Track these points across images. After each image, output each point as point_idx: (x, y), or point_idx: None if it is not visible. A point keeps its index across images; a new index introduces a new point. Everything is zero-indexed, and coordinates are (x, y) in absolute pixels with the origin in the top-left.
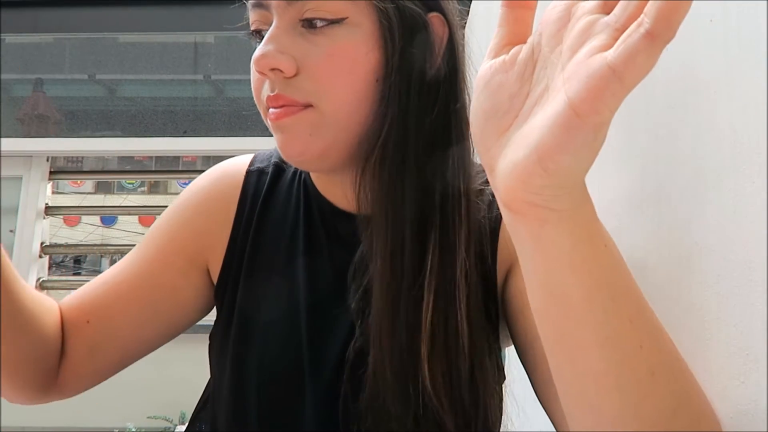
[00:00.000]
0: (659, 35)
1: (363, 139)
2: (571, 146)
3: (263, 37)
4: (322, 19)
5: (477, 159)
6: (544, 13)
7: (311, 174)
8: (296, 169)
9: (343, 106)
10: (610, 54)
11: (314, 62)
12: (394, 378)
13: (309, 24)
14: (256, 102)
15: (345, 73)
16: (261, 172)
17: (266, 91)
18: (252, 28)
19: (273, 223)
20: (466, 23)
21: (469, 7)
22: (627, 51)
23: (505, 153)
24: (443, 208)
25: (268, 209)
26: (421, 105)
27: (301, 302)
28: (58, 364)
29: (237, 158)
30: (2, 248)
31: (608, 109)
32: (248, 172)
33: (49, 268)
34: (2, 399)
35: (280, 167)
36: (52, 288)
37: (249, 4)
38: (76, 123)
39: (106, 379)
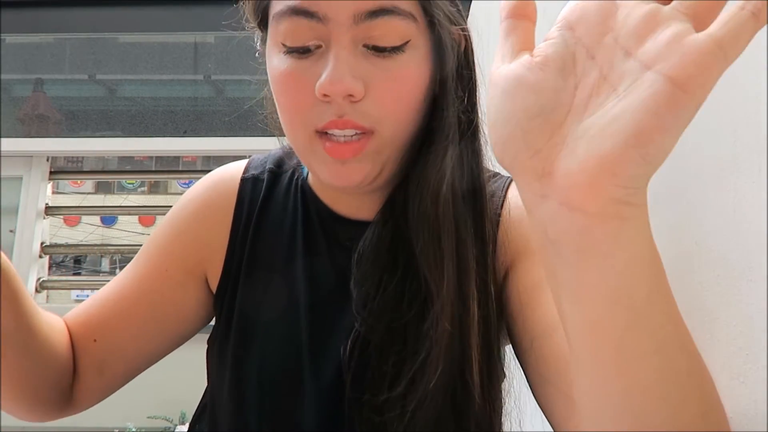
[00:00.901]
0: (762, 15)
1: (406, 155)
2: (675, 125)
3: (303, 51)
4: (389, 45)
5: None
6: (572, 7)
7: (311, 178)
8: (293, 174)
9: (402, 129)
10: (717, 32)
11: (380, 87)
12: (444, 374)
13: (375, 48)
14: (295, 120)
15: (407, 97)
16: (256, 179)
17: (324, 113)
18: (293, 43)
19: (271, 229)
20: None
21: (469, 7)
22: (734, 28)
23: (569, 150)
24: (475, 211)
25: (265, 215)
26: (459, 119)
27: (302, 305)
28: (72, 382)
29: (230, 165)
30: (8, 262)
31: (712, 83)
32: (243, 180)
33: (49, 268)
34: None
35: (275, 173)
36: (52, 288)
37: (288, 8)
38: (76, 123)
39: (116, 391)
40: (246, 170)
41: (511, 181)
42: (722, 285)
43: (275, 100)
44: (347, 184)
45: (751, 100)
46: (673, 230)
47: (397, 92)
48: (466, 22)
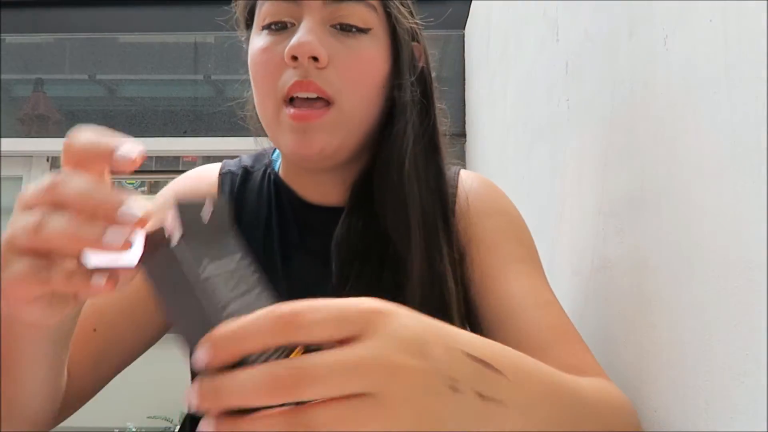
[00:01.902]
0: None
1: (365, 140)
2: None
3: (279, 28)
4: (353, 25)
5: None
6: None
7: (282, 171)
8: (265, 170)
9: (359, 107)
10: None
11: (343, 60)
12: None
13: (341, 27)
14: (266, 91)
15: (366, 76)
16: (233, 173)
17: (290, 77)
18: (272, 19)
19: (247, 222)
20: (465, 25)
21: (469, 7)
22: None
23: None
24: (440, 195)
25: (241, 209)
26: (415, 114)
27: (281, 292)
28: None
29: (204, 167)
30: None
31: None
32: (222, 175)
33: None
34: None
35: (248, 170)
36: None
37: None
38: (76, 123)
39: (104, 386)
40: (223, 167)
41: (460, 170)
42: (722, 285)
43: (252, 81)
44: (308, 151)
45: (751, 100)
46: (673, 230)
47: (358, 68)
48: (423, 44)
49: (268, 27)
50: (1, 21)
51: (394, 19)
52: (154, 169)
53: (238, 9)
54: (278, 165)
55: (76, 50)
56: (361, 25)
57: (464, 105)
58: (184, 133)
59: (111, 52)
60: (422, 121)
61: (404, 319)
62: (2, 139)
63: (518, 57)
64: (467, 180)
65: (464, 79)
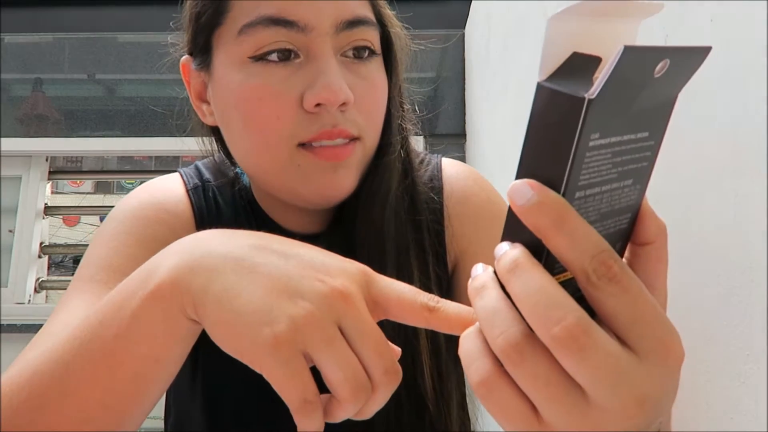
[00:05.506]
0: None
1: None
2: None
3: (282, 59)
4: (367, 48)
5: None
6: None
7: (255, 195)
8: (233, 186)
9: (376, 139)
10: None
11: (362, 95)
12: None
13: (354, 54)
14: (271, 135)
15: (381, 106)
16: (203, 189)
17: (313, 124)
18: (274, 47)
19: None
20: (465, 24)
21: (469, 7)
22: None
23: None
24: (414, 222)
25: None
26: (399, 134)
27: None
28: None
29: (162, 179)
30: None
31: None
32: (191, 191)
33: (48, 268)
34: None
35: (215, 186)
36: (51, 288)
37: (263, 18)
38: (75, 123)
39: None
40: (187, 182)
41: (441, 159)
42: (722, 285)
43: (237, 119)
44: (338, 192)
45: (751, 101)
46: (673, 230)
47: (375, 99)
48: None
49: (263, 57)
50: (1, 21)
51: (394, 36)
52: (153, 168)
53: (186, 35)
54: (246, 180)
55: (75, 50)
56: (373, 48)
57: (464, 105)
58: (184, 133)
59: (110, 52)
60: (404, 141)
61: None
62: (1, 139)
63: (518, 57)
64: (452, 175)
65: (464, 79)
